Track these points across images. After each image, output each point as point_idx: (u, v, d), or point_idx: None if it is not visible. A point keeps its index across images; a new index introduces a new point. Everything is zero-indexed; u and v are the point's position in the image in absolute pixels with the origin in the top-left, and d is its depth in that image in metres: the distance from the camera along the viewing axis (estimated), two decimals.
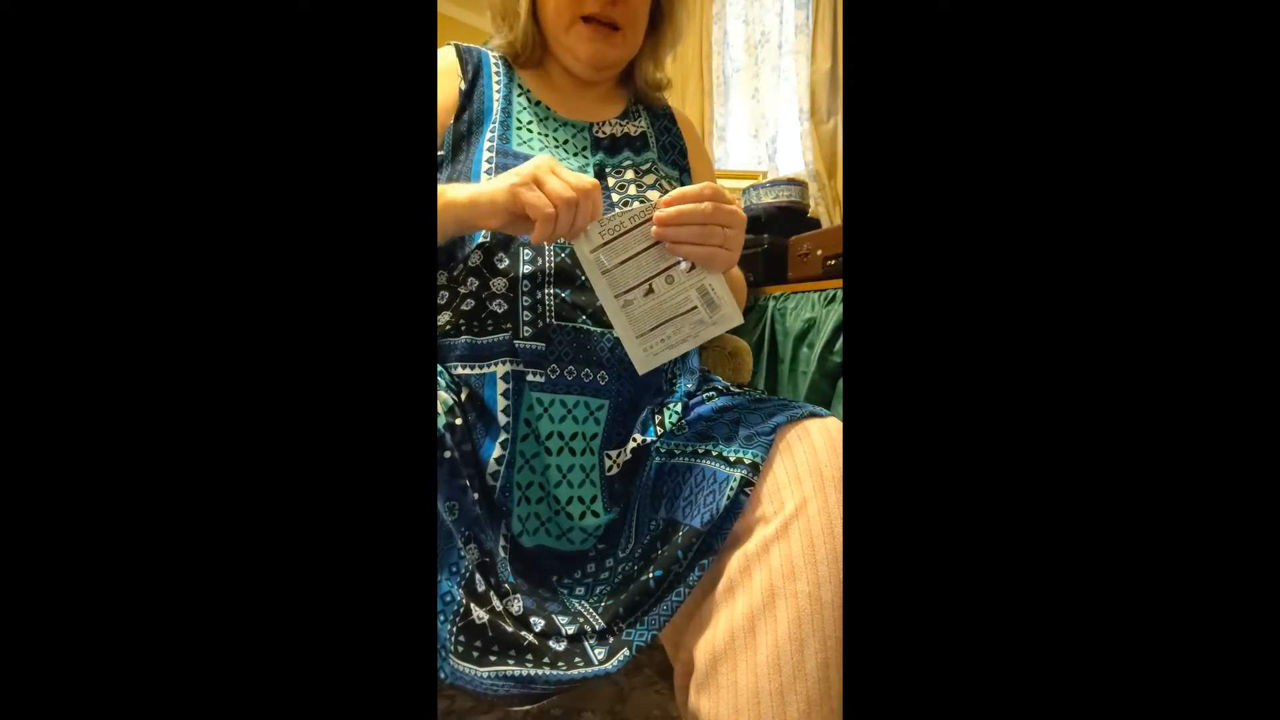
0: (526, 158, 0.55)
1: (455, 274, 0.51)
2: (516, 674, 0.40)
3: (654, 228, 0.42)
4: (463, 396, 0.46)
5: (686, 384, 0.51)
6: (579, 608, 0.42)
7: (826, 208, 1.42)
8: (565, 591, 0.43)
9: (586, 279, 0.49)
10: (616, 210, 0.42)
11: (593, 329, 0.49)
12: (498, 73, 0.61)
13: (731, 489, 0.40)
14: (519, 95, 0.61)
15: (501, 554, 0.43)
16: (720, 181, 0.70)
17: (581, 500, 0.47)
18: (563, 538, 0.46)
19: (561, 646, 0.41)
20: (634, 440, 0.48)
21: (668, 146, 0.65)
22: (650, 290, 0.43)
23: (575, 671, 0.40)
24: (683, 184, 0.64)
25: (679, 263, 0.43)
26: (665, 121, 0.67)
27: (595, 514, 0.47)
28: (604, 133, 0.62)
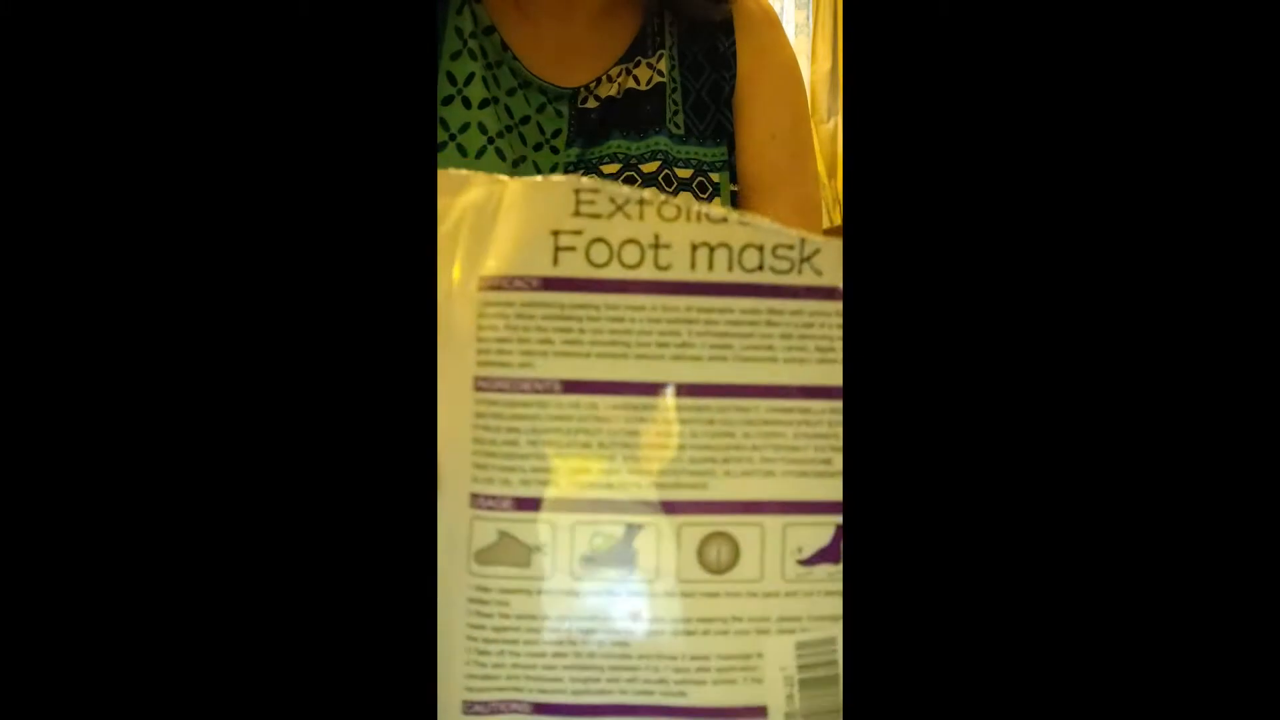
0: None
1: None
2: None
3: None
4: None
5: None
6: None
7: (827, 208, 1.42)
8: None
9: None
10: None
11: None
12: None
13: None
14: (475, 38, 0.35)
15: None
16: None
17: None
18: None
19: None
20: None
21: (705, 101, 0.37)
22: None
23: None
24: (731, 166, 0.37)
25: None
26: (710, 43, 0.37)
27: None
28: (596, 98, 0.36)
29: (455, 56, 0.35)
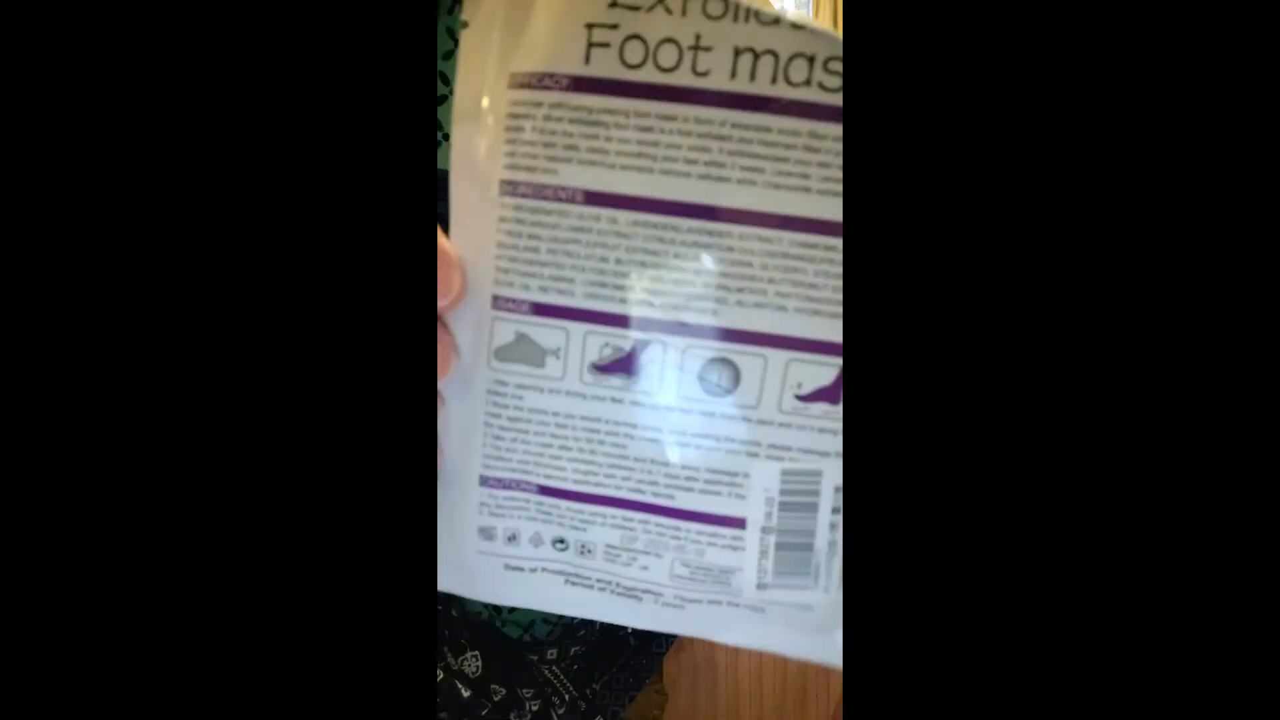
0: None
1: None
2: None
3: None
4: None
5: None
6: (547, 675, 0.38)
7: None
8: (535, 657, 0.39)
9: None
10: None
11: None
12: None
13: None
14: None
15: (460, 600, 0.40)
16: None
17: None
18: None
19: None
20: None
21: None
22: None
23: None
24: None
25: None
26: None
27: None
28: None
29: (447, 57, 0.35)
